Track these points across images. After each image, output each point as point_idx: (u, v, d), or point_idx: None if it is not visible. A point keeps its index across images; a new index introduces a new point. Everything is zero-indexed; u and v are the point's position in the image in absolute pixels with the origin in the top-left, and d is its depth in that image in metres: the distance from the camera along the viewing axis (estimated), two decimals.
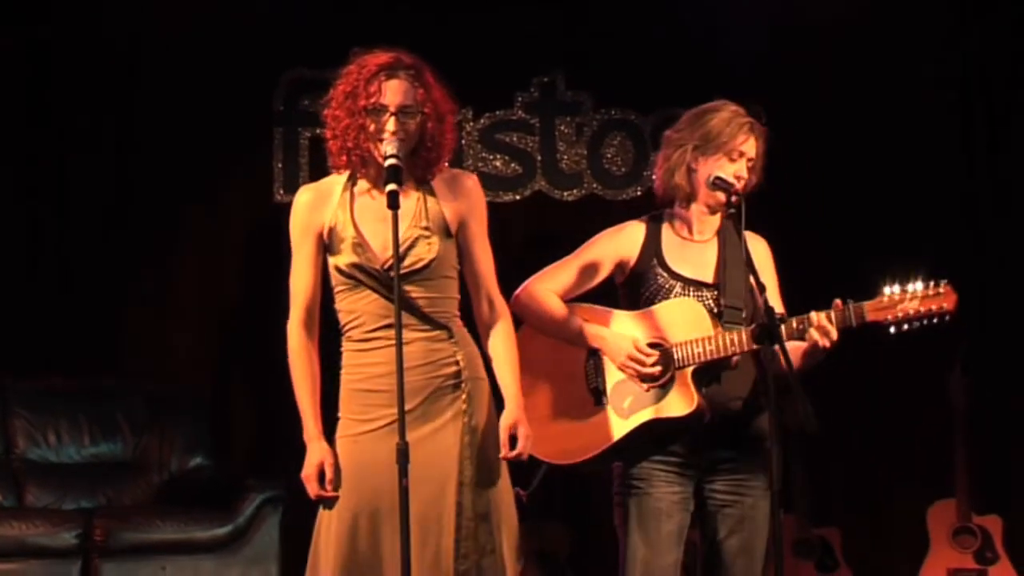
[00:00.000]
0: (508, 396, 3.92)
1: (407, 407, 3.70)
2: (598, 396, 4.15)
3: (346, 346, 3.91)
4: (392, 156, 3.74)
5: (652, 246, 4.22)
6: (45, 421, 6.45)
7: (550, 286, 4.24)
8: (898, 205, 6.83)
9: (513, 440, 3.86)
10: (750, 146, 4.16)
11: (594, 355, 4.17)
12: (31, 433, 6.42)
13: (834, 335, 3.97)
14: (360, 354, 3.87)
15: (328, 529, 3.84)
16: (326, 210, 3.90)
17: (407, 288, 3.80)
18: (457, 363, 3.87)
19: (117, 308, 6.76)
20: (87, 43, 6.79)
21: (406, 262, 3.80)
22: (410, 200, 3.86)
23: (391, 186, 3.69)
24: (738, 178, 4.12)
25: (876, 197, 6.86)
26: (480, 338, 4.00)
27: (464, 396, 3.86)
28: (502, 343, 3.97)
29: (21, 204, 6.75)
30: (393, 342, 3.70)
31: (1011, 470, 6.75)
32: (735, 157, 4.14)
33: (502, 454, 3.85)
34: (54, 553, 5.77)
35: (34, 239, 6.76)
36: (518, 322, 4.27)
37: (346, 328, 3.91)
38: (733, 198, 4.05)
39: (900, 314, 3.98)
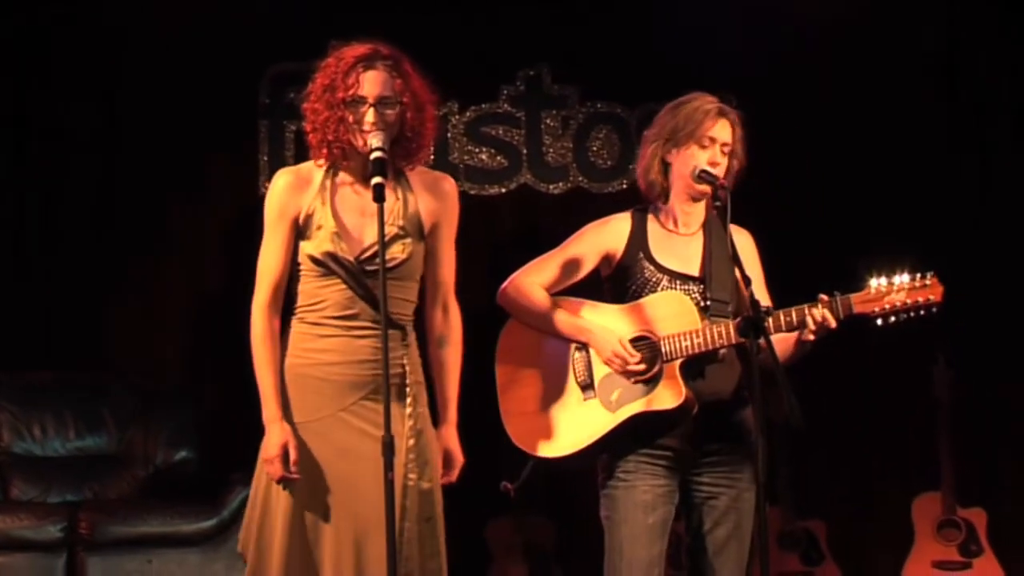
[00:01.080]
0: (446, 415, 3.97)
1: (351, 400, 3.74)
2: (586, 389, 4.15)
3: (297, 327, 3.90)
4: (378, 149, 3.75)
5: (638, 239, 4.21)
6: (30, 415, 6.44)
7: (536, 279, 4.23)
8: (888, 200, 6.83)
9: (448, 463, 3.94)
10: (721, 130, 4.14)
11: (582, 349, 4.17)
12: (16, 426, 6.41)
13: (832, 324, 3.97)
14: (312, 338, 3.87)
15: (276, 510, 3.83)
16: (305, 195, 3.89)
17: (374, 284, 3.79)
18: (403, 365, 3.89)
19: (103, 301, 6.75)
20: (72, 37, 6.77)
21: (378, 259, 3.78)
22: (388, 199, 3.85)
23: (377, 179, 3.69)
24: (713, 164, 4.11)
25: (866, 192, 6.85)
26: (428, 341, 4.01)
27: (409, 400, 3.87)
28: (450, 355, 4.01)
29: (6, 198, 6.73)
30: (348, 334, 3.78)
31: (995, 463, 6.76)
32: (706, 144, 4.13)
33: (443, 479, 3.91)
34: (39, 546, 5.76)
35: (19, 233, 6.75)
36: (506, 316, 4.28)
37: (301, 309, 3.90)
38: (719, 191, 4.04)
39: (887, 306, 3.98)
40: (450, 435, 3.98)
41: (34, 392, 6.48)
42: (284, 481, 3.82)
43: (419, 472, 3.85)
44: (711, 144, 4.13)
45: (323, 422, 3.84)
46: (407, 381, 3.88)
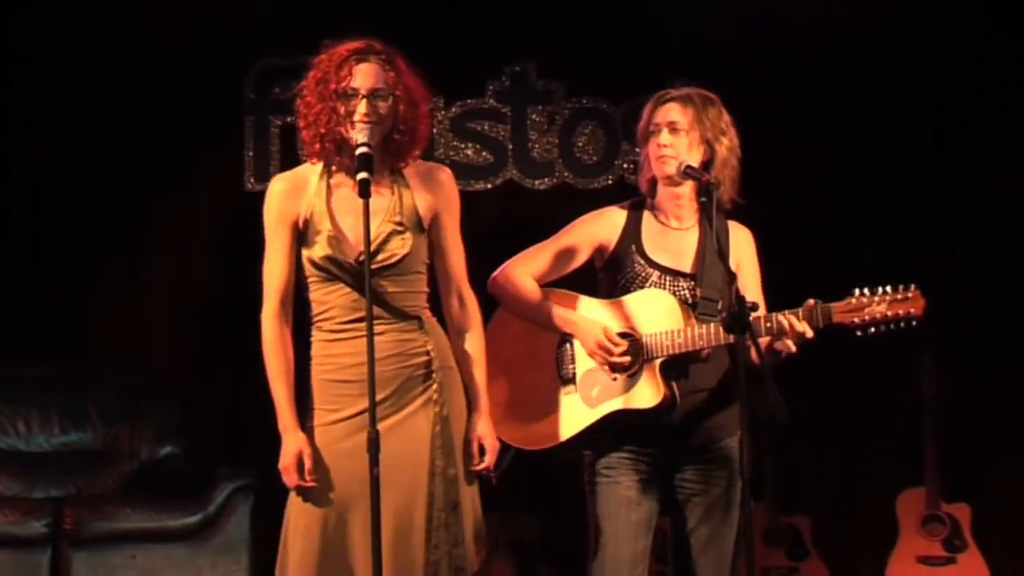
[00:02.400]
0: (476, 404, 3.95)
1: (378, 397, 3.71)
2: (568, 383, 4.16)
3: (317, 336, 3.91)
4: (363, 144, 3.75)
5: (632, 232, 4.20)
6: (15, 410, 6.43)
7: (528, 269, 4.23)
8: (885, 198, 6.83)
9: (481, 451, 3.91)
10: (664, 113, 4.14)
11: (566, 342, 4.18)
12: (0, 422, 6.40)
13: (809, 334, 3.97)
14: (331, 344, 3.88)
15: (297, 521, 3.84)
16: (302, 200, 3.89)
17: (379, 282, 3.81)
18: (428, 352, 3.89)
19: (88, 296, 6.75)
20: (57, 33, 6.76)
21: (379, 257, 3.81)
22: (384, 194, 3.87)
23: (362, 174, 3.69)
24: (661, 145, 4.11)
25: (864, 191, 6.85)
26: (449, 332, 4.01)
27: (435, 386, 3.88)
28: (472, 344, 4.00)
29: None
30: (363, 333, 3.71)
31: (980, 458, 6.76)
32: (652, 129, 4.14)
33: (473, 466, 3.89)
34: (24, 542, 5.76)
35: (5, 227, 6.74)
36: (496, 304, 4.28)
37: (317, 318, 3.91)
38: (705, 186, 4.03)
39: (867, 317, 3.96)
40: (481, 422, 3.95)
41: (19, 387, 6.47)
42: (299, 489, 3.83)
43: (445, 459, 3.85)
44: (657, 128, 4.14)
45: (356, 419, 3.82)
46: (432, 367, 3.88)
